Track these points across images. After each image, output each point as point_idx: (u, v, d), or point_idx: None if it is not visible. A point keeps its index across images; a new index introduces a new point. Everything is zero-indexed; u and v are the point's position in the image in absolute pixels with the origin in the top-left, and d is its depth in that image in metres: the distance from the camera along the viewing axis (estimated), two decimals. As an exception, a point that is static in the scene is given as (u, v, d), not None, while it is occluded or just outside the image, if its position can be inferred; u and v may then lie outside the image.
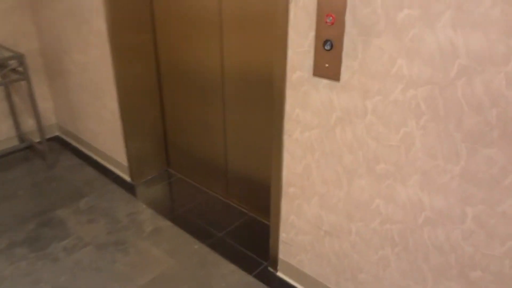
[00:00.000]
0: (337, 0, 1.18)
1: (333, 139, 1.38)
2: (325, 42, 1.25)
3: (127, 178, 2.50)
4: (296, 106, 1.43)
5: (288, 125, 1.49)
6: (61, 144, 2.97)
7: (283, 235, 1.74)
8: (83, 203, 2.30)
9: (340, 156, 1.38)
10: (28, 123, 2.88)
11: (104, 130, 2.52)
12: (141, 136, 2.41)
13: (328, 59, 1.26)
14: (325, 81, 1.31)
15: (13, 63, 2.44)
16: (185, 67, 2.17)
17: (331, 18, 1.20)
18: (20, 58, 2.35)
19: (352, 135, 1.32)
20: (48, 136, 3.00)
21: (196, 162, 2.41)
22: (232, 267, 1.87)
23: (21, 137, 2.87)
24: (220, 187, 2.34)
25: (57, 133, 3.08)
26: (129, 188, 2.43)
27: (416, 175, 1.22)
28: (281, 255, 1.79)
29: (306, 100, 1.39)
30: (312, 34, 1.28)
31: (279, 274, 1.83)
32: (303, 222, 1.62)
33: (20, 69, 2.40)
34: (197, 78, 2.14)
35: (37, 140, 2.78)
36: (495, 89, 0.99)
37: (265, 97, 1.86)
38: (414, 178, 1.23)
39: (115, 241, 2.02)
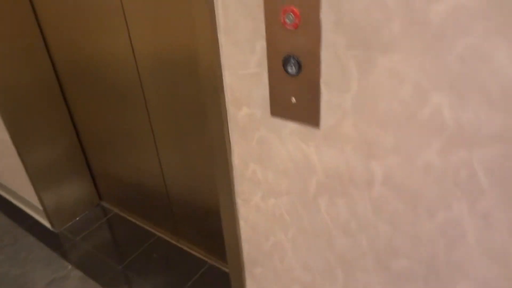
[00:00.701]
0: (301, -19, 0.59)
1: (315, 213, 0.82)
2: (286, 60, 0.66)
3: (46, 224, 1.90)
4: (249, 160, 0.86)
5: (242, 186, 0.92)
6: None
7: (254, 319, 1.22)
8: (-13, 272, 1.71)
9: (328, 238, 0.84)
10: None
11: (4, 165, 1.89)
12: (54, 167, 1.80)
13: (295, 89, 0.69)
14: (292, 126, 0.74)
15: None
16: (93, 69, 1.55)
17: (292, 16, 0.61)
18: None
19: (348, 211, 0.77)
20: None
21: (132, 190, 1.84)
22: None
23: None
24: (166, 223, 1.79)
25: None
26: (51, 238, 1.85)
27: (468, 280, 0.69)
28: None
29: (264, 152, 0.82)
30: (261, 44, 0.69)
31: None
32: (280, 313, 1.09)
33: None
34: (109, 79, 1.54)
35: None
36: None
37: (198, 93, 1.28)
38: (466, 284, 0.70)
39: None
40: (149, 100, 1.46)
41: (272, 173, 0.83)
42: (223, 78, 0.78)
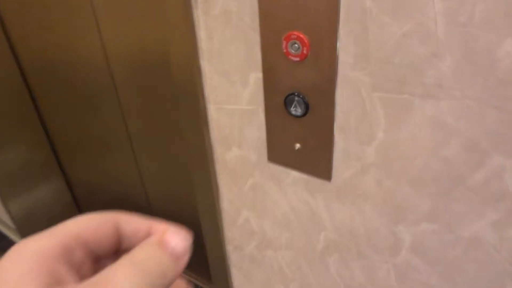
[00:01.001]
0: (312, 1, 0.42)
1: (323, 271, 0.68)
2: (288, 98, 0.51)
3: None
4: (241, 206, 0.71)
5: (233, 233, 0.77)
6: None
7: None
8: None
9: (339, 300, 0.69)
10: None
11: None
12: (24, 178, 1.63)
13: (300, 133, 0.53)
14: (296, 174, 0.58)
15: None
16: (63, 71, 1.39)
17: (298, 44, 0.45)
18: None
19: (364, 275, 0.62)
20: None
21: (113, 203, 1.68)
22: None
23: None
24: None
25: None
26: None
27: None
28: None
29: (259, 199, 0.67)
30: (256, 76, 0.53)
31: None
32: None
33: None
34: (81, 83, 1.38)
35: None
36: None
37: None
38: None
39: None
40: (124, 103, 1.30)
41: (270, 224, 0.68)
42: (208, 111, 0.62)
